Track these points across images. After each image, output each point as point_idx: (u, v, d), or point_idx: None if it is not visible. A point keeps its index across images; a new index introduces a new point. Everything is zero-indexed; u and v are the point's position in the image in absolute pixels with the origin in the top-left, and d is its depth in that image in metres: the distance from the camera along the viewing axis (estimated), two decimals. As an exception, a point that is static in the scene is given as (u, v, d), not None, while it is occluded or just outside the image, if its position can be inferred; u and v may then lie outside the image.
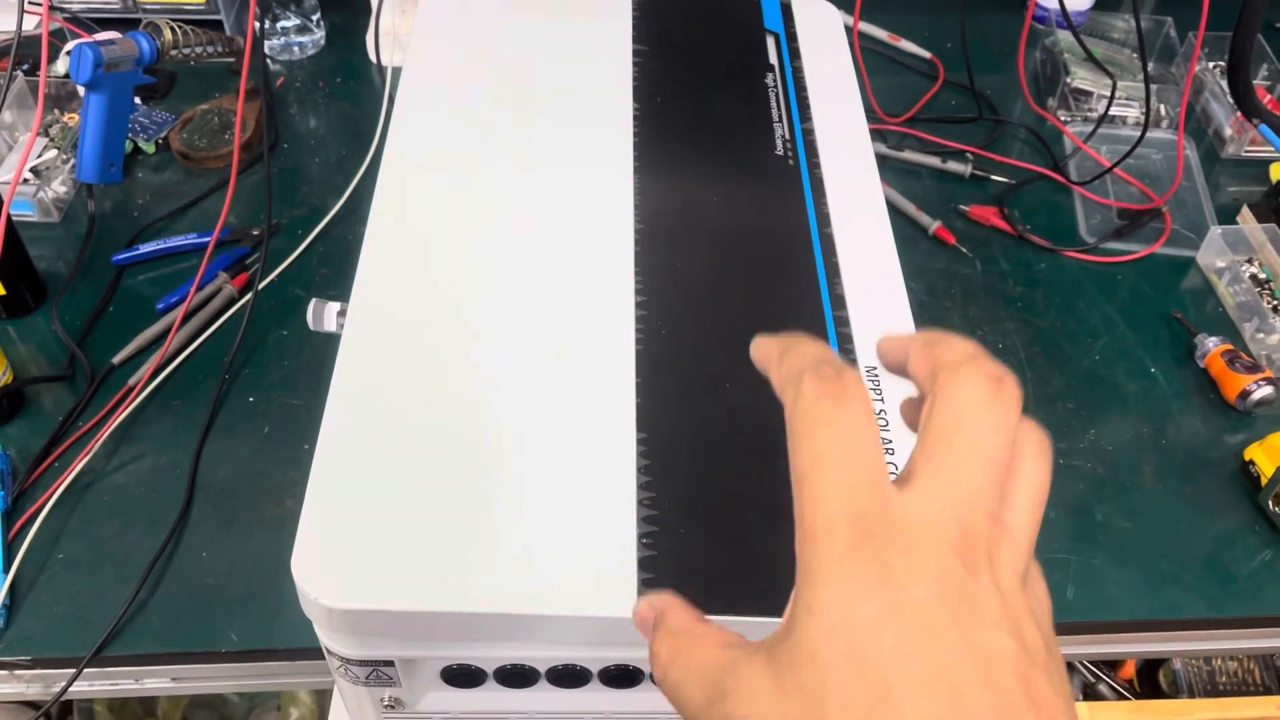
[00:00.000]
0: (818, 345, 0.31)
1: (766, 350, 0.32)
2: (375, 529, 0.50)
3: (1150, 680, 0.90)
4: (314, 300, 0.64)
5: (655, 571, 0.50)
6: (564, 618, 0.49)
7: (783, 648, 0.27)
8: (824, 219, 0.67)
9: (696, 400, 0.57)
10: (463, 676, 0.53)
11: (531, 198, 0.66)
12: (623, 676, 0.53)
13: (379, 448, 0.53)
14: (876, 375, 0.59)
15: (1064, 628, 0.72)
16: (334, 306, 0.64)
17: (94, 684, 0.70)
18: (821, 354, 0.30)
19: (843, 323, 0.61)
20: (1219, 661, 0.88)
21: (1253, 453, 0.77)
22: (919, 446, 0.28)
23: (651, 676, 0.33)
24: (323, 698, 1.04)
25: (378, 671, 0.52)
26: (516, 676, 0.53)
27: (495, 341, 0.58)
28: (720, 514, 0.52)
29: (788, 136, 0.72)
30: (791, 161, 0.70)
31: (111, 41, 0.85)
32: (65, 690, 0.67)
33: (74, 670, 0.66)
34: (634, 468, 0.54)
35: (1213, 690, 0.87)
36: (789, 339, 0.31)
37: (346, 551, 0.49)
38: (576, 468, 0.53)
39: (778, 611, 0.48)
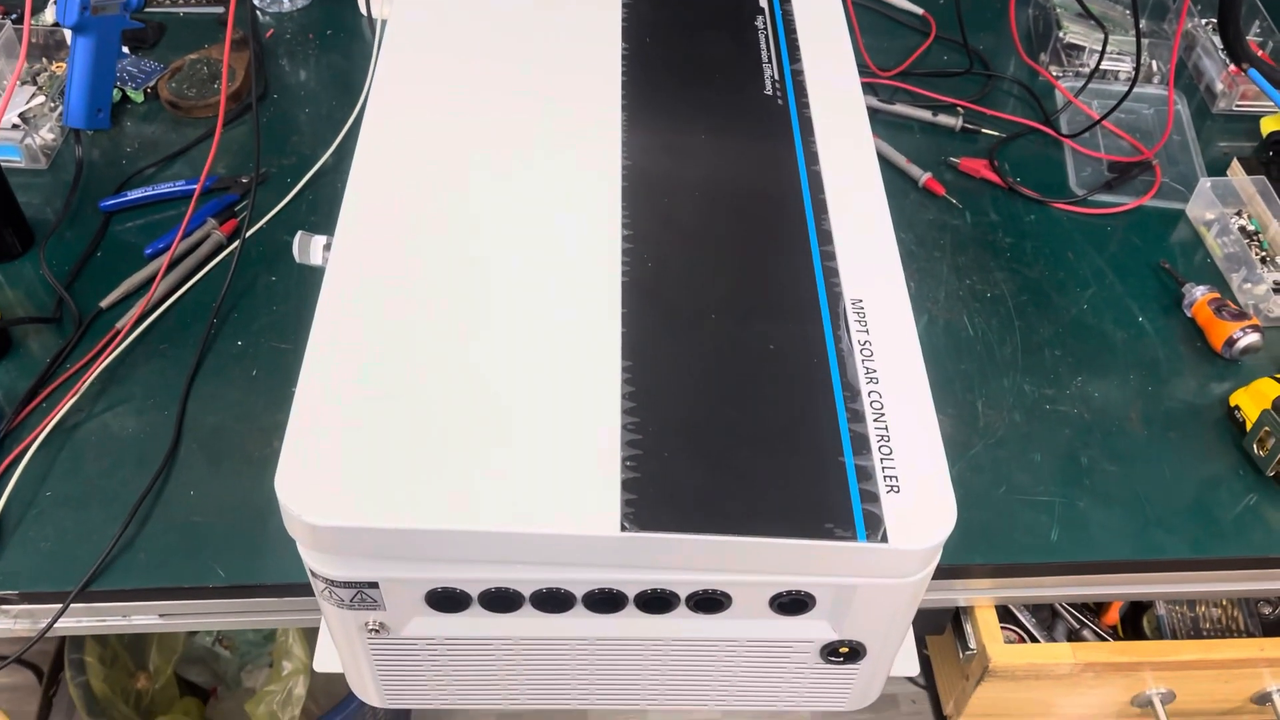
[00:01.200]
0: None
1: None
2: (359, 447, 0.50)
3: (1134, 626, 0.91)
4: (300, 233, 0.64)
5: (639, 493, 0.50)
6: (547, 536, 0.49)
7: None
8: (812, 157, 0.67)
9: (681, 330, 0.57)
10: (447, 600, 0.53)
11: (519, 136, 0.66)
12: (606, 601, 0.53)
13: (364, 367, 0.53)
14: (862, 306, 0.59)
15: (1048, 568, 0.72)
16: (320, 239, 0.64)
17: (81, 620, 0.70)
18: None
19: (829, 257, 0.61)
20: (1202, 607, 0.88)
21: (1238, 398, 0.78)
22: None
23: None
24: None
25: (362, 594, 0.52)
26: (501, 600, 0.53)
27: (481, 271, 0.58)
28: (703, 438, 0.52)
29: (777, 77, 0.72)
30: (780, 101, 0.70)
31: (98, -16, 0.84)
32: (52, 624, 0.67)
33: (61, 605, 0.66)
34: (619, 394, 0.54)
35: (1196, 636, 0.87)
36: None
37: (330, 469, 0.49)
38: (562, 392, 0.53)
39: (756, 531, 0.49)
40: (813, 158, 0.67)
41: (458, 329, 0.55)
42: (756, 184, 0.65)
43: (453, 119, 0.66)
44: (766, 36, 0.75)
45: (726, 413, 0.54)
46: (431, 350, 0.54)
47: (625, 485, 0.50)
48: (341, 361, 0.53)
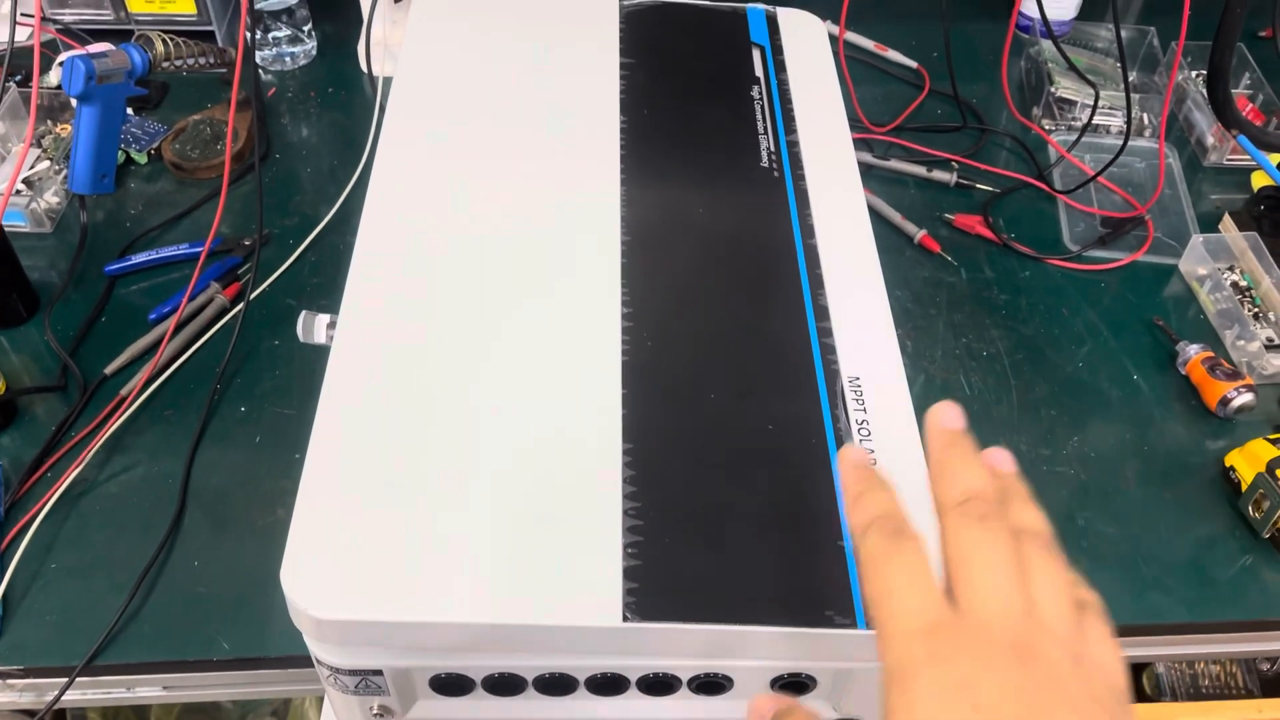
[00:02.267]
0: (882, 498, 0.41)
1: (845, 486, 0.42)
2: (364, 540, 0.51)
3: (1134, 683, 0.91)
4: (304, 313, 0.65)
5: (640, 581, 0.50)
6: (551, 627, 0.49)
7: None
8: (808, 230, 0.68)
9: (682, 411, 0.58)
10: (451, 685, 0.54)
11: (519, 210, 0.67)
12: (609, 684, 0.54)
13: (367, 459, 0.54)
14: (859, 384, 0.60)
15: (1047, 633, 0.72)
16: (323, 319, 0.65)
17: (86, 693, 0.70)
18: (883, 509, 0.40)
19: (826, 334, 0.62)
20: (1201, 665, 0.89)
21: (1233, 459, 0.78)
22: (948, 571, 0.37)
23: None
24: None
25: (367, 680, 0.53)
26: (504, 685, 0.54)
27: (483, 353, 0.59)
28: (706, 524, 0.53)
29: (773, 149, 0.73)
30: (776, 174, 0.71)
31: (104, 54, 0.85)
32: (58, 699, 0.67)
33: (66, 679, 0.67)
34: (620, 478, 0.54)
35: (1195, 694, 0.88)
36: (860, 485, 0.41)
37: (335, 562, 0.50)
38: (563, 478, 0.54)
39: (757, 620, 0.50)
40: (809, 231, 0.68)
41: (460, 416, 0.56)
42: (754, 259, 0.66)
43: (454, 198, 0.67)
44: (762, 106, 0.76)
45: (726, 496, 0.54)
46: (435, 438, 0.55)
47: (627, 574, 0.51)
48: (345, 451, 0.54)
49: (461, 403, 0.57)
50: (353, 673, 0.52)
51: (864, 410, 0.59)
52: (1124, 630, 0.73)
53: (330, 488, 0.52)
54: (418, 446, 0.54)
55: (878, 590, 0.37)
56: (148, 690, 0.71)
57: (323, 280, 0.91)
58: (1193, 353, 0.85)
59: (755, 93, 0.77)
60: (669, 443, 0.56)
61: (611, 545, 0.52)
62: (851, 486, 0.42)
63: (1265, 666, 0.90)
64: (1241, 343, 0.87)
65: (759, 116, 0.75)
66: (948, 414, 0.42)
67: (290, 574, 0.49)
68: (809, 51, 0.82)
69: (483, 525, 0.52)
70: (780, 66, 0.80)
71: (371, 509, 0.52)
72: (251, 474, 0.77)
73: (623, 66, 0.78)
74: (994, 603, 0.36)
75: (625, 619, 0.49)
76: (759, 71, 0.79)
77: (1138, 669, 0.92)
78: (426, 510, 0.52)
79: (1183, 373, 0.86)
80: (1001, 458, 0.43)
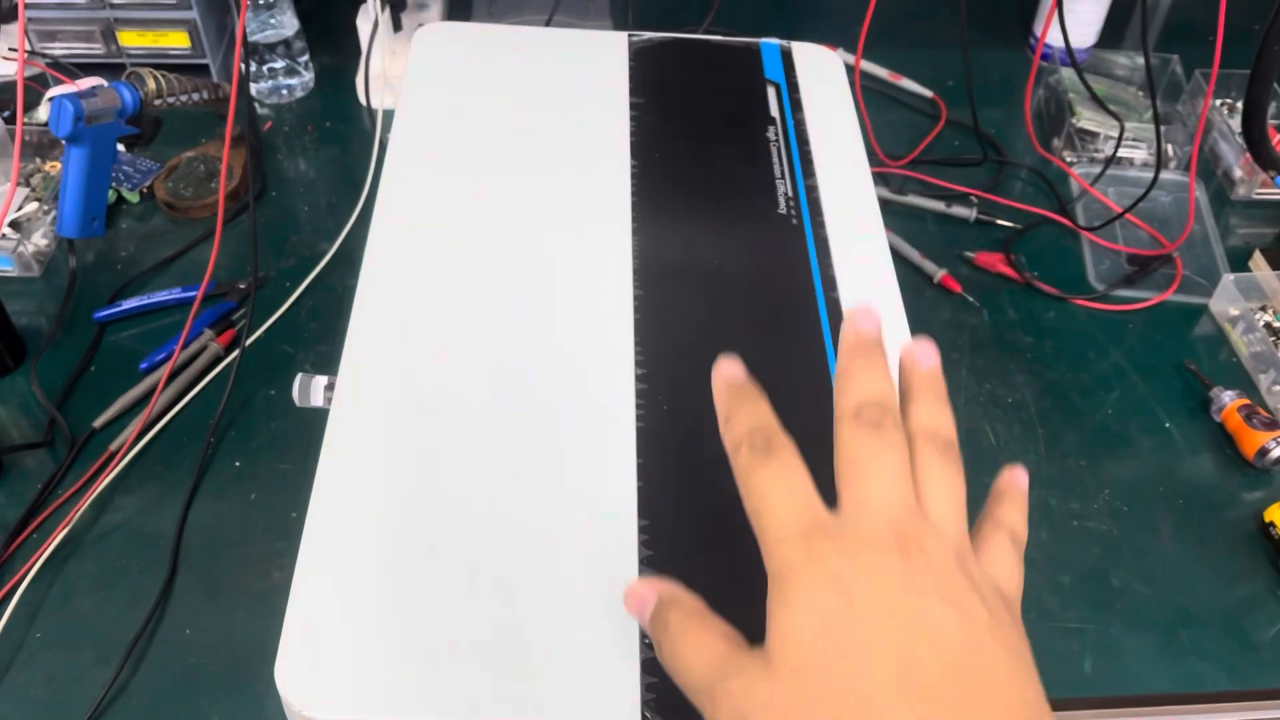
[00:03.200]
0: (752, 412, 0.38)
1: (718, 406, 0.39)
2: (363, 635, 0.47)
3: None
4: (300, 375, 0.62)
5: (661, 675, 0.47)
6: (563, 729, 0.46)
7: (774, 641, 0.34)
8: (829, 283, 0.65)
9: (698, 483, 0.54)
10: (456, 783, 0.50)
11: (528, 265, 0.64)
12: (625, 781, 0.50)
13: (367, 549, 0.50)
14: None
15: (1082, 702, 0.69)
16: (320, 380, 0.61)
17: (72, 771, 0.67)
18: (753, 422, 0.37)
19: (852, 395, 0.59)
20: (1239, 727, 0.85)
21: (1273, 514, 0.75)
22: (837, 480, 0.36)
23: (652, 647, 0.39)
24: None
25: (367, 779, 0.49)
26: (513, 782, 0.50)
27: (491, 424, 0.56)
28: (730, 610, 0.49)
29: (790, 194, 0.70)
30: (795, 221, 0.68)
31: (93, 93, 0.82)
32: (41, 781, 0.64)
33: (51, 759, 0.63)
34: (636, 558, 0.51)
35: (1233, 757, 0.84)
36: (730, 404, 0.38)
37: (334, 659, 0.46)
38: (577, 562, 0.51)
39: None
40: (830, 284, 0.65)
41: (466, 498, 0.52)
42: (774, 315, 0.63)
43: (458, 251, 0.64)
44: (779, 149, 0.73)
45: (748, 575, 0.51)
46: (438, 527, 0.51)
47: (645, 667, 0.47)
48: (343, 542, 0.50)
49: (467, 483, 0.53)
50: (351, 773, 0.49)
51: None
52: (1164, 699, 0.70)
53: (327, 578, 0.49)
54: (420, 535, 0.51)
55: (754, 503, 0.36)
56: (135, 769, 0.67)
57: (321, 326, 0.87)
58: (1227, 400, 0.81)
59: (771, 133, 0.74)
60: (688, 518, 0.53)
61: (628, 635, 0.48)
62: (722, 407, 0.39)
63: (1306, 727, 0.87)
64: (1278, 388, 0.83)
65: (775, 159, 0.72)
66: (863, 320, 0.39)
67: (285, 672, 0.46)
68: (826, 88, 0.79)
69: (490, 617, 0.48)
70: (796, 105, 0.77)
71: (371, 602, 0.48)
72: (246, 534, 0.74)
73: (632, 107, 0.74)
74: (877, 500, 0.34)
75: (644, 718, 0.46)
76: (774, 111, 0.76)
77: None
78: (430, 604, 0.48)
79: (1217, 420, 0.82)
80: (925, 352, 0.40)
